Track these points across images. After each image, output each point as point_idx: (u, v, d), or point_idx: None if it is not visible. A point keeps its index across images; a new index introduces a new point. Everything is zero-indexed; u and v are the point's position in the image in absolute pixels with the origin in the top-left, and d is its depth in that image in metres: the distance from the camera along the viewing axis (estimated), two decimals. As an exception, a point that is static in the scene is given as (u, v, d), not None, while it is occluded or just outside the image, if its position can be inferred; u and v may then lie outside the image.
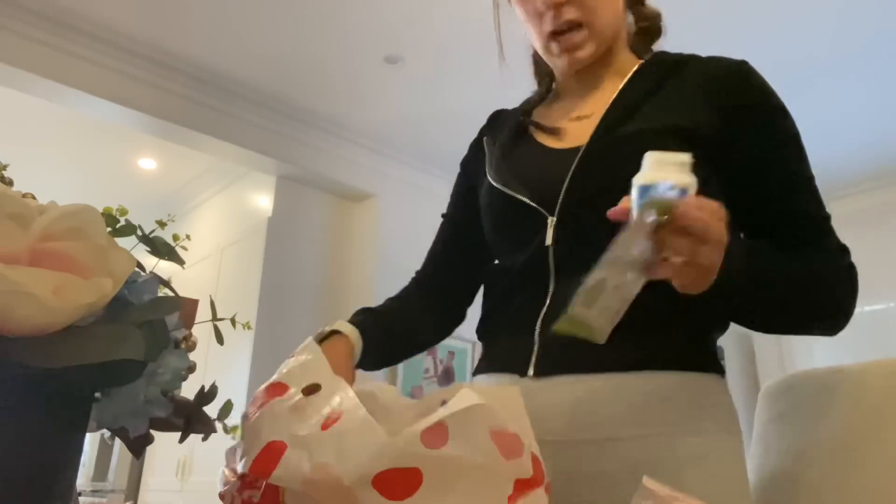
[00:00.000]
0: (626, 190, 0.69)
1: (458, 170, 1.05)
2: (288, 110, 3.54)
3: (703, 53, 0.88)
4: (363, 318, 0.85)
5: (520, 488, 0.50)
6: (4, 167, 0.66)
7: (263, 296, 3.44)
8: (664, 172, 0.60)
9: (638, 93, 0.84)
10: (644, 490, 0.49)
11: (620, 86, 0.86)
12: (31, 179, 4.12)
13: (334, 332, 0.81)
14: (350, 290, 3.72)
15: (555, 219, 0.81)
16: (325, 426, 0.52)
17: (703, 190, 0.71)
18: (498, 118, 1.04)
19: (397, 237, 3.69)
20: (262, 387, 0.60)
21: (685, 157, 0.60)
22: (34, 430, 0.49)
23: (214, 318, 0.73)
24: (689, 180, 0.60)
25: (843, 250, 0.80)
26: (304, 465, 0.50)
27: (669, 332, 0.77)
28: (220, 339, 0.77)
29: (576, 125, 0.88)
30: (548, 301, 0.80)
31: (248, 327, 0.84)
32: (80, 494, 0.72)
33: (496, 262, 0.94)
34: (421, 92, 3.35)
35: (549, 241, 0.81)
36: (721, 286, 0.64)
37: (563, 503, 0.65)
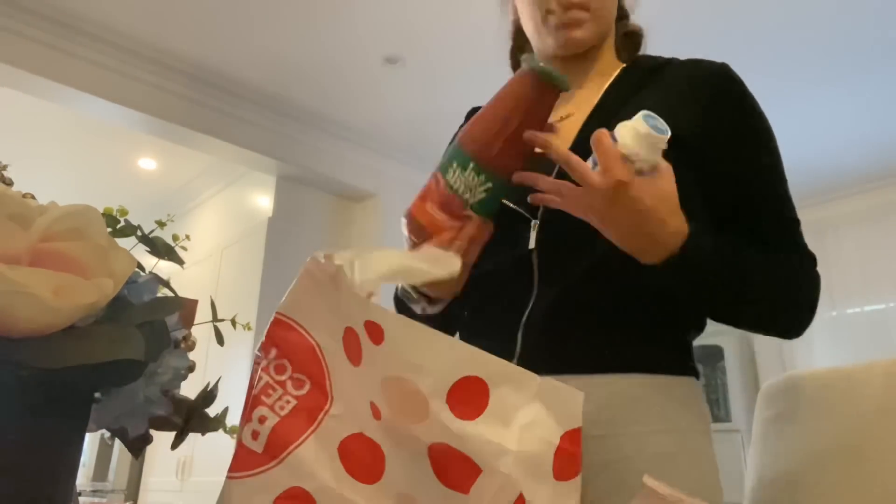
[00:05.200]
0: None
1: None
2: (288, 110, 3.54)
3: (704, 53, 0.88)
4: None
5: (567, 445, 0.51)
6: (4, 167, 0.66)
7: (263, 296, 3.44)
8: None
9: (620, 97, 0.86)
10: (646, 489, 0.49)
11: (603, 88, 0.88)
12: (31, 179, 4.13)
13: None
14: (350, 290, 3.71)
15: (537, 222, 0.82)
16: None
17: (687, 192, 0.75)
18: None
19: (397, 237, 3.68)
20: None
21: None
22: (34, 430, 0.49)
23: (215, 318, 0.73)
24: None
25: (812, 258, 0.83)
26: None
27: (646, 337, 0.79)
28: (220, 339, 0.77)
29: (559, 126, 0.87)
30: (531, 305, 0.80)
31: (249, 328, 0.83)
32: (80, 494, 0.72)
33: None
34: (421, 92, 3.35)
35: (532, 244, 0.81)
36: (686, 256, 0.69)
37: None
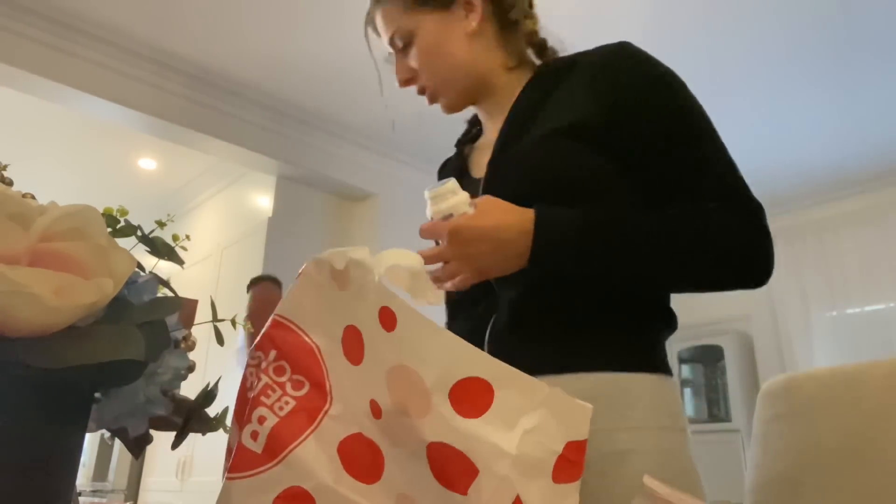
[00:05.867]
0: (523, 197, 0.82)
1: None
2: (288, 110, 3.54)
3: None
4: None
5: (570, 454, 0.51)
6: (4, 167, 0.66)
7: (263, 296, 3.44)
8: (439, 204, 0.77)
9: (526, 108, 0.89)
10: (645, 490, 0.49)
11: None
12: (31, 179, 4.13)
13: None
14: (350, 290, 3.71)
15: None
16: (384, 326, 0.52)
17: (602, 177, 0.81)
18: (445, 167, 1.09)
19: (397, 237, 3.69)
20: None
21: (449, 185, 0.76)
22: (34, 430, 0.49)
23: (215, 318, 0.73)
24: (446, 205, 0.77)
25: (752, 206, 0.79)
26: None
27: (606, 335, 0.80)
28: (220, 339, 0.77)
29: (486, 153, 0.93)
30: (494, 314, 0.84)
31: (249, 328, 0.83)
32: (80, 494, 0.72)
33: None
34: (421, 92, 3.35)
35: None
36: (544, 256, 0.74)
37: None
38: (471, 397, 0.51)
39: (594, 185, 0.80)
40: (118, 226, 0.65)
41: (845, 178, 3.94)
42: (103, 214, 0.59)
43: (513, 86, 0.94)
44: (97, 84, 3.01)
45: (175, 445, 0.64)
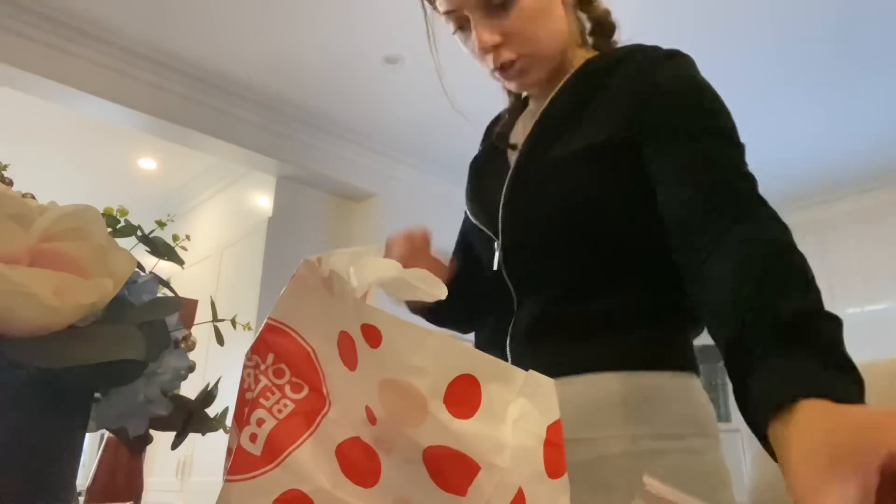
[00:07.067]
0: (549, 215, 0.79)
1: (458, 169, 1.06)
2: (288, 110, 3.54)
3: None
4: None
5: (552, 437, 0.51)
6: (4, 167, 0.66)
7: (263, 296, 3.44)
8: None
9: (561, 111, 0.84)
10: (645, 491, 0.49)
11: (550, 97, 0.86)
12: (31, 179, 4.11)
13: None
14: (350, 290, 3.72)
15: (500, 241, 0.85)
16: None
17: (626, 199, 0.75)
18: (497, 122, 1.04)
19: (397, 237, 3.69)
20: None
21: None
22: (34, 430, 0.49)
23: (215, 318, 0.73)
24: None
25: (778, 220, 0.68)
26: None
27: (627, 335, 0.78)
28: (220, 339, 0.77)
29: (529, 124, 0.90)
30: (512, 319, 0.83)
31: (249, 328, 0.83)
32: (80, 494, 0.72)
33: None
34: (421, 92, 3.35)
35: (495, 265, 0.85)
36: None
37: None
38: (463, 397, 0.51)
39: (616, 210, 0.78)
40: (118, 226, 0.65)
41: (845, 177, 3.94)
42: (103, 214, 0.59)
43: (574, 57, 0.88)
44: (97, 84, 3.01)
45: (175, 445, 0.64)
